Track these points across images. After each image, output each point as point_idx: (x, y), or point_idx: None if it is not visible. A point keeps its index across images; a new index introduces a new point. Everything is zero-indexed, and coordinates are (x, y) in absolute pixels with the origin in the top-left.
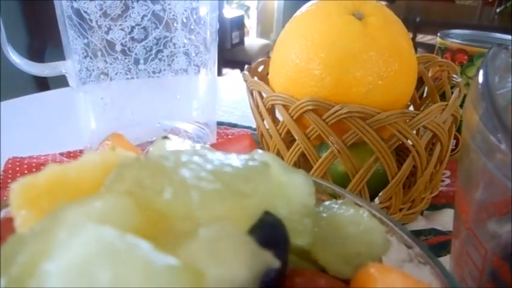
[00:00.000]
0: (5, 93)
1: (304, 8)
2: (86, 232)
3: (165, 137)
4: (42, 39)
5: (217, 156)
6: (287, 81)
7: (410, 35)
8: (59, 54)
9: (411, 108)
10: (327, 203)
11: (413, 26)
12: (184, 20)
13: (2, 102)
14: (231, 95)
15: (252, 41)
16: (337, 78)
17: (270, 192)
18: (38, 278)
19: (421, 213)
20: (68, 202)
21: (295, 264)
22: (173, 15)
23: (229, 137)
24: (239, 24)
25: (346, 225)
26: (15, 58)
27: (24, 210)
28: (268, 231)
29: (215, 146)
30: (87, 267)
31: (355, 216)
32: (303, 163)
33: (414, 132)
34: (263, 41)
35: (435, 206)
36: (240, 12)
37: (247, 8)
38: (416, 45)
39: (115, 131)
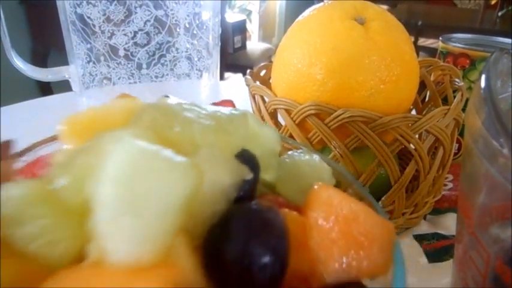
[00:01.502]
0: (8, 98)
1: (306, 12)
2: (128, 142)
3: (166, 96)
4: (46, 44)
5: (210, 107)
6: (289, 85)
7: (412, 39)
8: (62, 59)
9: (413, 112)
10: (290, 152)
11: (415, 29)
12: (187, 25)
13: (4, 107)
14: (233, 99)
15: (254, 45)
16: (339, 82)
17: (248, 137)
18: (96, 174)
19: (424, 218)
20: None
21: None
22: (176, 20)
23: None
24: (241, 29)
25: (302, 166)
26: (19, 63)
27: (74, 139)
28: (246, 158)
29: None
30: (132, 167)
31: (309, 160)
32: None
33: (417, 136)
34: (265, 45)
35: (438, 210)
36: (242, 17)
37: (249, 13)
38: (418, 49)
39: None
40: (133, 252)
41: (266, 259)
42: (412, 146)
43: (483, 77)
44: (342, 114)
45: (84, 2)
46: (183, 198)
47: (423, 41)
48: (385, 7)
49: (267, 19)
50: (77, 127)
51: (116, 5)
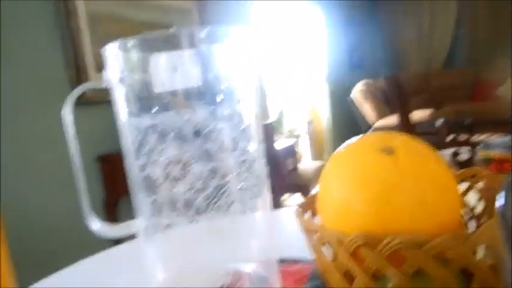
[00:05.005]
0: (86, 251)
1: (340, 148)
2: None
3: None
4: (116, 193)
5: None
6: (333, 217)
7: (465, 137)
8: (130, 206)
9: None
10: None
11: (465, 127)
12: (237, 172)
13: (81, 261)
14: (290, 226)
15: (307, 164)
16: (380, 211)
17: None
18: None
19: None
20: None
21: None
22: (226, 169)
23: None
24: (291, 152)
25: None
26: (95, 226)
27: None
28: None
29: None
30: None
31: None
32: None
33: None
34: (317, 163)
35: None
36: (292, 141)
37: (298, 136)
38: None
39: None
40: None
41: None
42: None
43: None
44: (391, 241)
45: (149, 164)
46: None
47: (477, 137)
48: (428, 111)
49: (316, 139)
50: None
51: (174, 164)
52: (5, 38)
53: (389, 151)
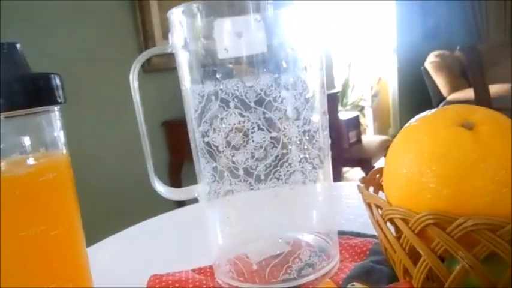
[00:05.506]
0: (150, 212)
1: (412, 121)
2: None
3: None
4: (180, 156)
5: None
6: (402, 194)
7: None
8: (193, 170)
9: None
10: None
11: None
12: (298, 142)
13: (145, 221)
14: (351, 201)
15: (370, 138)
16: (456, 190)
17: None
18: None
19: None
20: None
21: None
22: (288, 138)
23: (354, 246)
24: (355, 124)
25: None
26: (160, 188)
27: None
28: None
29: None
30: None
31: None
32: (435, 276)
33: None
34: (381, 137)
35: None
36: (355, 113)
37: (362, 108)
38: None
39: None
40: None
41: None
42: None
43: None
44: (465, 222)
45: (211, 131)
46: None
47: None
48: (508, 85)
49: (380, 112)
50: None
51: (235, 132)
52: (76, 6)
53: (469, 126)
